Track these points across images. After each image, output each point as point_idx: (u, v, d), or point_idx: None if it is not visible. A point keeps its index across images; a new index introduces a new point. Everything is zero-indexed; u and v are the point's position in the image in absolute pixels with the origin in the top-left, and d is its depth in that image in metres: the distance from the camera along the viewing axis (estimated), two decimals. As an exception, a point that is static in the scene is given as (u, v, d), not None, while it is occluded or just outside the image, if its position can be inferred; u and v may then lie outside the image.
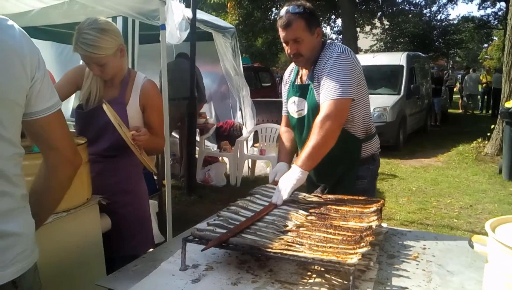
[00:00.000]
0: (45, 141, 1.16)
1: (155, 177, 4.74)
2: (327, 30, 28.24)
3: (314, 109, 1.93)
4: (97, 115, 1.98)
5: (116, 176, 2.07)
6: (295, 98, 2.06)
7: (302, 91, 2.02)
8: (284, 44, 1.98)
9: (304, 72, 2.08)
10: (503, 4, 23.85)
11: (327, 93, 1.84)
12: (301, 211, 1.58)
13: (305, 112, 2.01)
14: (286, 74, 2.22)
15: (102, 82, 2.03)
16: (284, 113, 2.23)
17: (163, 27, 3.18)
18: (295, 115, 2.07)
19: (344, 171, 2.03)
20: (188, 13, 4.63)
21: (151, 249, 2.11)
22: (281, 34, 1.93)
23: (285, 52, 2.01)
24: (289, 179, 1.73)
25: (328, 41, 2.06)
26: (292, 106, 2.09)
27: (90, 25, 1.83)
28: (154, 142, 2.05)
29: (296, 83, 2.10)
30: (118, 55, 1.94)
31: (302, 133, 2.05)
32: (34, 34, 4.18)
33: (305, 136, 1.95)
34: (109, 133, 1.98)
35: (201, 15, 5.42)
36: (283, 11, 1.92)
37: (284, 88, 2.20)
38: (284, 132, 2.23)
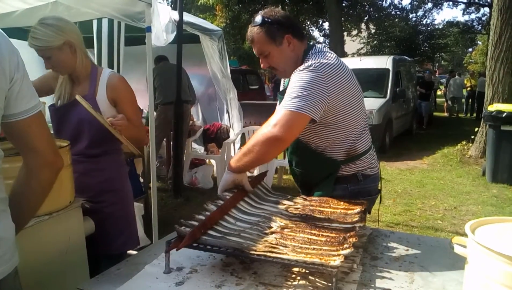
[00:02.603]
0: (25, 143, 1.13)
1: (141, 180, 4.71)
2: (315, 33, 28.45)
3: None
4: (69, 112, 2.04)
5: (101, 175, 2.10)
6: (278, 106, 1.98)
7: (280, 100, 1.91)
8: None
9: None
10: (486, 9, 24.35)
11: (283, 103, 1.66)
12: (285, 212, 1.59)
13: None
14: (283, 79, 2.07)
15: (69, 81, 2.10)
16: None
17: (148, 29, 3.17)
18: None
19: (320, 188, 1.89)
20: (175, 15, 4.62)
21: (135, 252, 2.10)
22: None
23: None
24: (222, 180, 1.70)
25: (318, 45, 1.89)
26: None
27: (40, 21, 1.92)
28: (134, 131, 2.08)
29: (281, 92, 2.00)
30: (67, 51, 1.98)
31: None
32: (18, 35, 4.11)
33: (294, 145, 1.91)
34: (86, 129, 2.02)
35: (187, 17, 5.41)
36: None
37: None
38: None
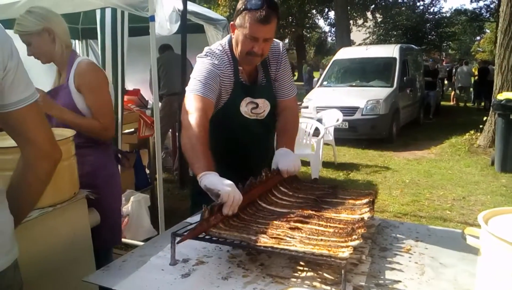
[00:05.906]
0: (21, 134, 1.09)
1: (147, 171, 4.71)
2: (320, 22, 28.18)
3: (272, 109, 1.93)
4: None
5: (83, 168, 2.01)
6: (258, 100, 1.88)
7: (265, 91, 1.91)
8: (247, 40, 1.71)
9: (245, 71, 1.89)
10: (495, -4, 23.95)
11: (291, 90, 1.99)
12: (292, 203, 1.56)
13: (266, 113, 1.91)
14: (223, 66, 1.83)
15: (58, 74, 2.16)
16: (205, 96, 1.72)
17: (152, 18, 3.13)
18: (254, 117, 1.89)
19: None
20: (179, 4, 4.56)
21: (141, 243, 2.09)
22: (255, 29, 1.67)
23: (238, 49, 1.77)
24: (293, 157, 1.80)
25: None
26: (249, 106, 1.87)
27: (27, 9, 2.01)
28: (77, 121, 1.99)
29: (244, 82, 1.88)
30: (46, 38, 2.01)
31: (257, 134, 1.93)
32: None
33: (263, 137, 1.97)
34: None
35: (191, 6, 5.34)
36: (257, 2, 1.65)
37: (216, 72, 1.80)
38: (203, 132, 1.64)
